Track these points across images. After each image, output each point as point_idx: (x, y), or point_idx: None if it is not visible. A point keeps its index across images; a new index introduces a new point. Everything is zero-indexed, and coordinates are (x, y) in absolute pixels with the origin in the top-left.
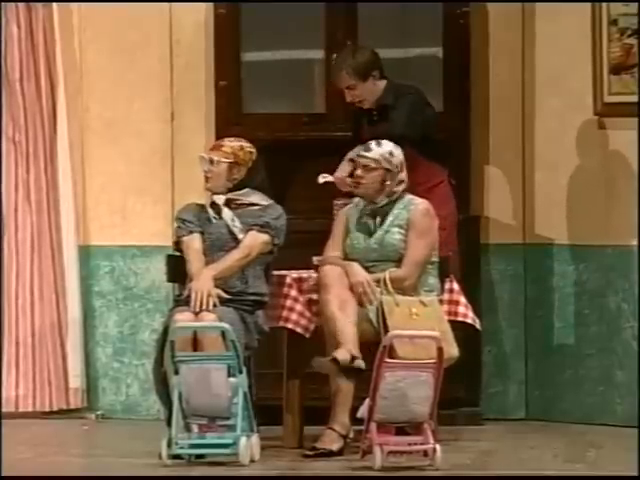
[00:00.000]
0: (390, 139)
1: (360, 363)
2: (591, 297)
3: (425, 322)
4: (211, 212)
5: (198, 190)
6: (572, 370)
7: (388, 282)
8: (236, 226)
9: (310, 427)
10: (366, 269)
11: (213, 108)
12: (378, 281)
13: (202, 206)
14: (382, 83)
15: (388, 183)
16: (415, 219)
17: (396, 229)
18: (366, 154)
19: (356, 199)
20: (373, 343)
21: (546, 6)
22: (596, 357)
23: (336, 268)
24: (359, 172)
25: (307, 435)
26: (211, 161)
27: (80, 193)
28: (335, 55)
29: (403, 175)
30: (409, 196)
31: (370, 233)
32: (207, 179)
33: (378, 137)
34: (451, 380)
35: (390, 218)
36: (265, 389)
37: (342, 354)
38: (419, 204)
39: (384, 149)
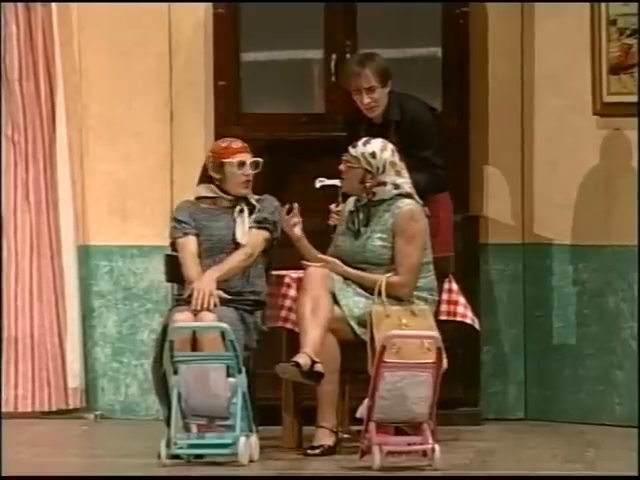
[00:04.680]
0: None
1: (319, 367)
2: (590, 297)
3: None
4: (236, 212)
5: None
6: (571, 370)
7: (383, 288)
8: (247, 228)
9: (309, 427)
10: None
11: (212, 108)
12: (373, 285)
13: (199, 205)
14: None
15: (368, 184)
16: (400, 225)
17: (378, 234)
18: (350, 151)
19: (351, 198)
20: (351, 344)
21: (545, 6)
22: (595, 357)
23: (320, 270)
24: (342, 167)
25: (306, 435)
26: (257, 164)
27: (79, 193)
28: (351, 56)
29: (386, 177)
30: (400, 198)
31: (356, 235)
32: (247, 183)
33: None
34: (450, 380)
35: (375, 221)
36: (264, 389)
37: (303, 358)
38: (403, 207)
39: (367, 149)
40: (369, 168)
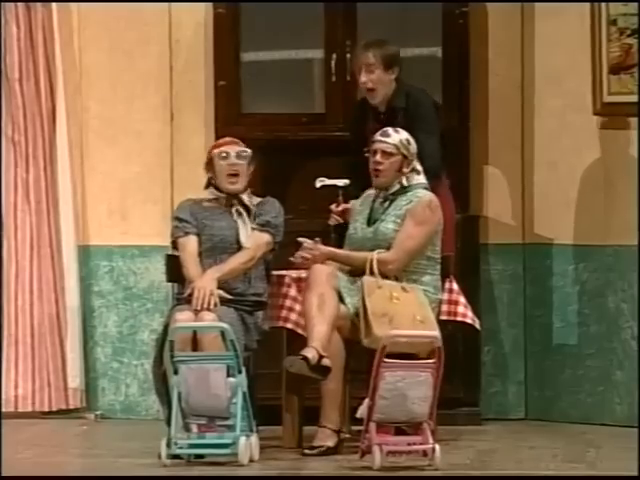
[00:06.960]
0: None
1: (327, 362)
2: (591, 297)
3: (405, 307)
4: (235, 214)
5: (197, 190)
6: (571, 370)
7: (375, 263)
8: (249, 229)
9: (309, 427)
10: None
11: (212, 108)
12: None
13: (201, 204)
14: (394, 83)
15: (405, 170)
16: (414, 208)
17: (392, 218)
18: (386, 140)
19: (368, 191)
20: (355, 342)
21: (545, 6)
22: (596, 357)
23: (326, 267)
24: (378, 157)
25: (306, 435)
26: (242, 155)
27: (79, 193)
28: (364, 40)
29: (416, 164)
30: (420, 189)
31: (371, 222)
32: (234, 178)
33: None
34: (450, 380)
35: (392, 208)
36: (265, 389)
37: (311, 352)
38: (424, 195)
39: (402, 136)
40: (406, 154)
